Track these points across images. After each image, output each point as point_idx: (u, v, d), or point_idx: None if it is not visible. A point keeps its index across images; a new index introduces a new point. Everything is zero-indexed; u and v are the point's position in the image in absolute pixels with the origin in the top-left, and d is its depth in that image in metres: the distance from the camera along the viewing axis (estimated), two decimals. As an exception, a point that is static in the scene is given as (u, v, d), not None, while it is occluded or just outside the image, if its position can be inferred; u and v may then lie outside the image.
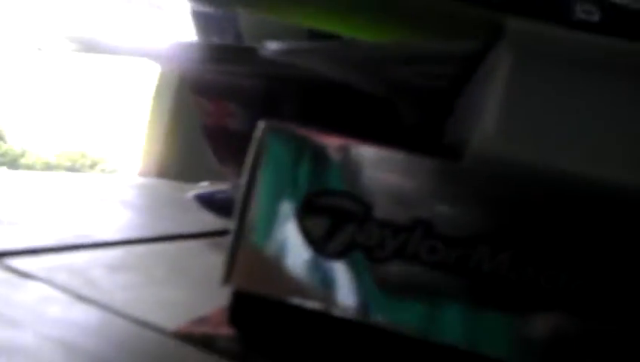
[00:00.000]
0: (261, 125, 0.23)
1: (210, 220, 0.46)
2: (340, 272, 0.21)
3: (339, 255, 0.21)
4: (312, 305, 0.21)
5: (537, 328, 0.20)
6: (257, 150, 0.23)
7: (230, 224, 0.23)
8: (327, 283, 0.21)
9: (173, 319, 0.24)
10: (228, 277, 0.23)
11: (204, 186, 0.49)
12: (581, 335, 0.20)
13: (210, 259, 0.35)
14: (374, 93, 0.31)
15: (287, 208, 0.22)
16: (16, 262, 0.28)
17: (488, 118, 0.15)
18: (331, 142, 0.22)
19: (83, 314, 0.24)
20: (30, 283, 0.26)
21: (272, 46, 0.25)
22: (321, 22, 0.27)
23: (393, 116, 0.32)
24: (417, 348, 0.21)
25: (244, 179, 0.23)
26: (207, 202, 0.41)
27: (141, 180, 0.69)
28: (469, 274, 0.20)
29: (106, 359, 0.20)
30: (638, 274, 0.19)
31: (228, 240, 0.23)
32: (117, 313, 0.24)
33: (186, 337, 0.23)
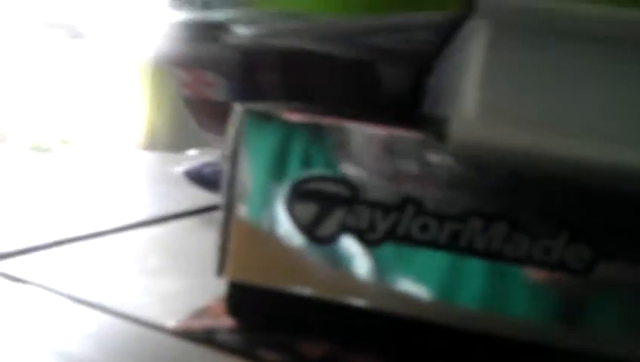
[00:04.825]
0: (238, 109, 0.22)
1: (200, 194, 0.45)
2: (336, 255, 0.21)
3: (330, 239, 0.21)
4: (311, 291, 0.21)
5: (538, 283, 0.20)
6: (237, 136, 0.22)
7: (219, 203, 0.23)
8: (325, 268, 0.21)
9: (172, 313, 0.24)
10: (221, 268, 0.22)
11: (192, 156, 0.48)
12: (586, 292, 0.19)
13: (205, 239, 0.35)
14: (354, 57, 0.30)
15: (274, 195, 0.21)
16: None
17: (467, 100, 0.15)
18: (313, 124, 0.21)
19: (77, 317, 0.23)
20: (19, 287, 0.25)
21: (246, 31, 0.24)
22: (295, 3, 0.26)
23: (374, 80, 0.31)
24: (422, 329, 0.21)
25: (227, 167, 0.22)
26: (196, 178, 0.40)
27: (128, 154, 0.69)
28: (463, 249, 0.20)
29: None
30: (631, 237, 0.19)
31: (219, 227, 0.23)
32: (112, 312, 0.24)
33: (186, 333, 0.22)
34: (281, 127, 0.21)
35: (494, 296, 0.20)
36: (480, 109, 0.15)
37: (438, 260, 0.20)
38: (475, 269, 0.20)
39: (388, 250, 0.21)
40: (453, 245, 0.20)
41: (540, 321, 0.20)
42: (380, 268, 0.21)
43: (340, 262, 0.21)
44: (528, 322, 0.20)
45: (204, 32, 0.31)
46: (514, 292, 0.20)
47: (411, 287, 0.20)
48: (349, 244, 0.21)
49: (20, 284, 0.26)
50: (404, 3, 0.20)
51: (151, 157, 0.65)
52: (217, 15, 0.30)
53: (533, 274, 0.20)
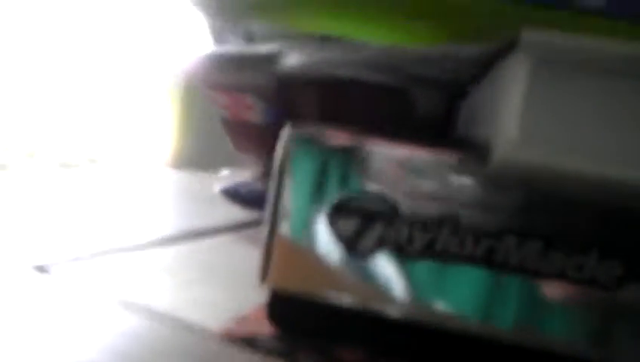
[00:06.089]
0: (287, 130, 0.24)
1: (233, 211, 0.47)
2: (374, 268, 0.22)
3: (369, 253, 0.22)
4: (349, 301, 0.23)
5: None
6: (284, 155, 0.24)
7: (257, 216, 0.24)
8: (362, 280, 0.23)
9: (215, 320, 0.26)
10: (264, 276, 0.24)
11: (225, 176, 0.50)
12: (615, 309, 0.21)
13: (240, 254, 0.36)
14: (391, 85, 0.32)
15: (317, 209, 0.23)
16: (55, 271, 0.29)
17: (509, 125, 0.16)
18: (357, 144, 0.23)
19: (129, 321, 0.25)
20: (71, 293, 0.27)
21: (293, 59, 0.26)
22: (335, 28, 0.27)
23: (409, 106, 0.33)
24: (455, 342, 0.22)
25: (273, 184, 0.24)
26: (233, 196, 0.42)
27: (158, 172, 0.71)
28: (499, 265, 0.21)
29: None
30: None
31: (259, 235, 0.24)
32: (158, 317, 0.25)
33: (229, 337, 0.24)
34: (324, 147, 0.23)
35: (528, 315, 0.21)
36: (521, 133, 0.16)
37: (472, 279, 0.22)
38: (509, 288, 0.21)
39: (424, 266, 0.22)
40: (489, 261, 0.21)
41: (571, 339, 0.21)
42: (416, 283, 0.22)
43: (377, 276, 0.23)
44: (560, 339, 0.21)
45: (248, 63, 0.33)
46: (547, 311, 0.21)
47: (445, 304, 0.22)
48: (387, 258, 0.22)
49: (66, 289, 0.27)
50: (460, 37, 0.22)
51: (180, 176, 0.67)
52: (262, 48, 0.32)
53: (563, 293, 0.21)
